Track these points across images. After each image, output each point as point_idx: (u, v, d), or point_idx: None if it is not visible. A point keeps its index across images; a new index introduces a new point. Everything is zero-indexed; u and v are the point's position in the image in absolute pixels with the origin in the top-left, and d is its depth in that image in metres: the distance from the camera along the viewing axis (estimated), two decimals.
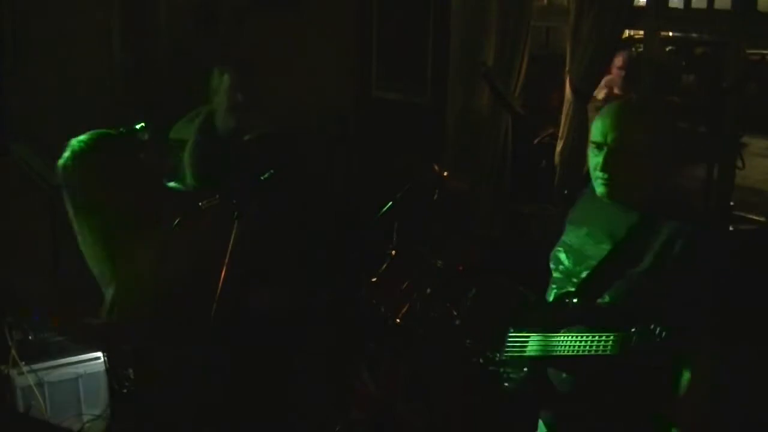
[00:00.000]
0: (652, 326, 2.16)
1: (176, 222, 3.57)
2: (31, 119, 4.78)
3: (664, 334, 2.14)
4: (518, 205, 5.25)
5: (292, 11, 5.80)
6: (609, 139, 2.30)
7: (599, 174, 2.34)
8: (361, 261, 4.15)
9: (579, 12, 4.80)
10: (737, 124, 4.39)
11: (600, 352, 2.28)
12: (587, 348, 2.30)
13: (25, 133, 4.43)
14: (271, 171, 3.10)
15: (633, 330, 2.20)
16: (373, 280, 3.95)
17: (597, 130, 2.34)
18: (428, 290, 3.81)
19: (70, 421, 3.72)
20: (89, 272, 3.49)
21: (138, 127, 3.37)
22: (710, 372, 2.31)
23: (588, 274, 2.39)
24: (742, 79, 4.16)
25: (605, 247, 2.37)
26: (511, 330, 2.58)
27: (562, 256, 2.51)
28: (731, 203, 4.40)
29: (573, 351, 2.34)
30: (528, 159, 5.35)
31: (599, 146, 2.32)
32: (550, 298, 2.54)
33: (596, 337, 2.28)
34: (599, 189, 2.36)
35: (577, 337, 2.33)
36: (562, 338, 2.38)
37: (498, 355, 2.58)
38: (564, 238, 2.56)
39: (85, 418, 3.77)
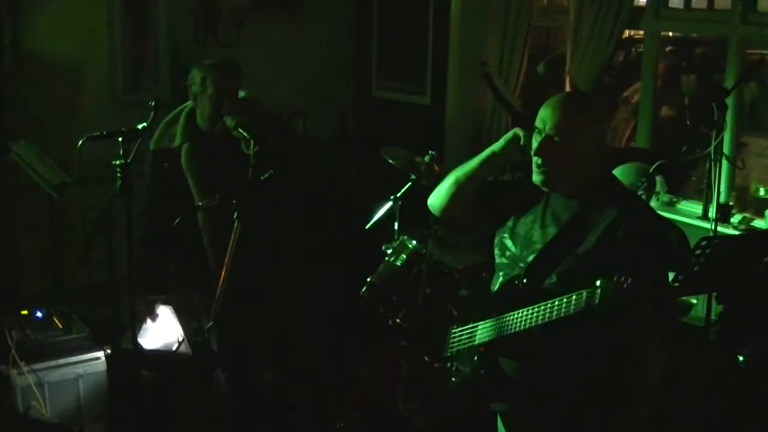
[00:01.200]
0: (616, 277, 2.14)
1: (176, 221, 3.57)
2: (31, 119, 4.78)
3: (629, 282, 2.12)
4: None
5: (292, 11, 5.81)
6: (547, 126, 2.33)
7: (535, 159, 2.37)
8: (361, 261, 4.15)
9: (579, 12, 4.80)
10: (737, 124, 4.40)
11: (564, 314, 2.24)
12: (550, 314, 2.28)
13: (25, 133, 4.43)
14: (271, 171, 3.09)
15: (598, 283, 2.17)
16: (371, 279, 3.96)
17: (539, 117, 2.37)
18: (428, 290, 3.81)
19: (70, 421, 3.72)
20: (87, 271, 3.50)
21: (140, 127, 3.36)
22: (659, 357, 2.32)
23: (534, 257, 2.40)
24: (742, 79, 4.15)
25: (551, 232, 2.40)
26: (455, 326, 2.59)
27: (509, 243, 2.51)
28: (731, 203, 4.40)
29: (533, 322, 2.32)
30: (528, 159, 5.35)
31: (539, 132, 2.36)
32: (496, 285, 2.53)
33: (561, 300, 2.26)
34: (535, 177, 2.39)
35: (536, 306, 2.32)
36: (518, 313, 2.36)
37: (443, 352, 2.59)
38: (510, 225, 2.55)
39: (85, 418, 3.76)
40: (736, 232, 4.21)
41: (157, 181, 3.51)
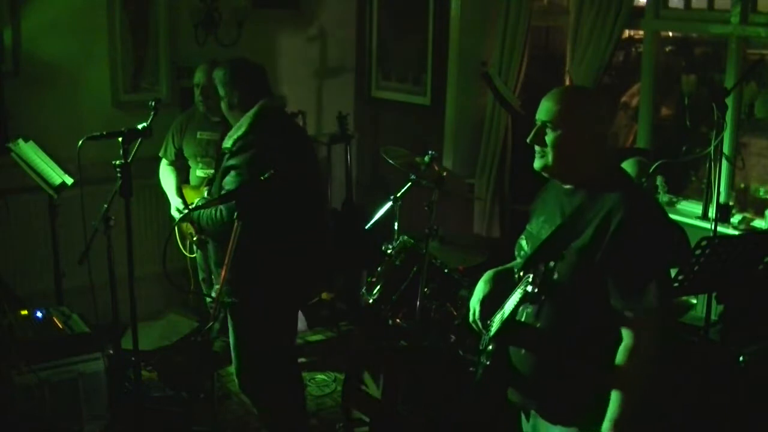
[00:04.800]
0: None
1: (175, 222, 3.56)
2: (31, 119, 4.78)
3: None
4: (518, 205, 5.25)
5: (291, 11, 5.81)
6: (545, 116, 2.43)
7: (537, 148, 2.47)
8: (361, 261, 4.15)
9: (579, 12, 4.80)
10: (737, 124, 4.40)
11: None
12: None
13: (25, 133, 4.42)
14: (271, 171, 3.09)
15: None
16: (371, 279, 3.95)
17: (539, 109, 2.47)
18: (427, 290, 3.81)
19: (70, 421, 3.72)
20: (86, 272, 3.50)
21: (140, 127, 3.37)
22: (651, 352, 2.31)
23: (533, 249, 2.49)
24: (742, 79, 4.15)
25: (557, 224, 2.48)
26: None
27: (523, 243, 2.62)
28: (731, 203, 4.40)
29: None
30: (528, 159, 5.34)
31: (536, 121, 2.47)
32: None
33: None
34: (536, 163, 2.49)
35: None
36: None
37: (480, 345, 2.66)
38: (527, 226, 2.65)
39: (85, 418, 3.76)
40: (736, 232, 4.22)
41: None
